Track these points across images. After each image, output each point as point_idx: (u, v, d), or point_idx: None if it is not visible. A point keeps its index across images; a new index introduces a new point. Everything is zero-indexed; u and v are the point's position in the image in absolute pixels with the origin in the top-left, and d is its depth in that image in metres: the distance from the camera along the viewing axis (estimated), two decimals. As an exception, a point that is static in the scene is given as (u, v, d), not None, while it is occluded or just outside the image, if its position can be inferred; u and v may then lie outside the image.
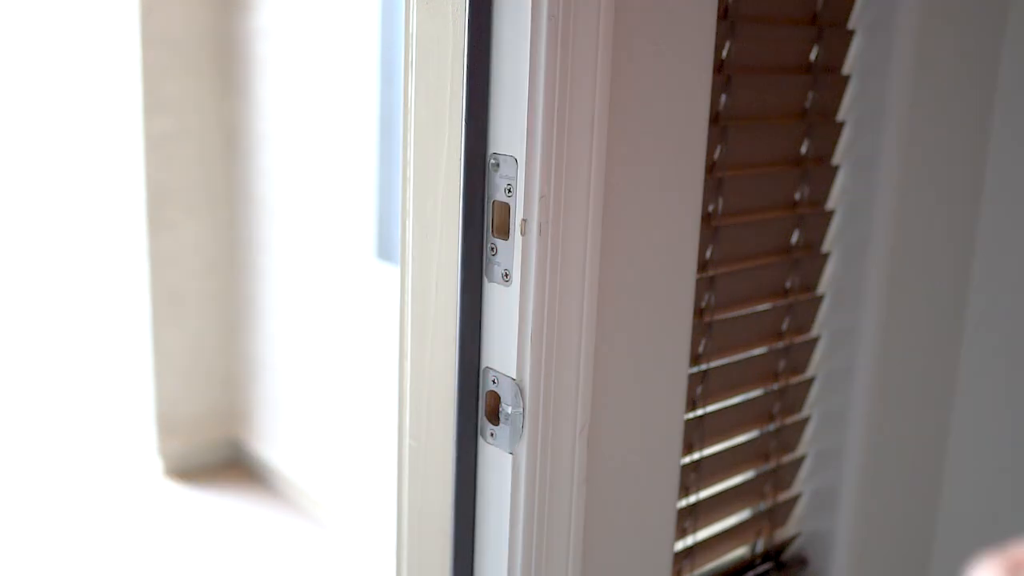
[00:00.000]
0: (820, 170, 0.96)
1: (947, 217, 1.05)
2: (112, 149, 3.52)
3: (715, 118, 0.83)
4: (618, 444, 0.78)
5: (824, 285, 1.01)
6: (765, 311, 0.96)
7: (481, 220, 0.67)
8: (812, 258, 0.99)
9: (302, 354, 3.28)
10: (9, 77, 3.89)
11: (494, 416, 0.70)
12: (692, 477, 0.92)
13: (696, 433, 0.91)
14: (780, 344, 0.98)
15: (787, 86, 0.91)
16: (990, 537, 1.14)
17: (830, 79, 0.93)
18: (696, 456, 0.91)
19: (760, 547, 1.06)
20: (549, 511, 0.71)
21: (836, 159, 0.97)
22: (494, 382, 0.69)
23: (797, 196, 0.95)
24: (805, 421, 1.04)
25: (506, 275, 0.66)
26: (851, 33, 0.94)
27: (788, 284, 0.97)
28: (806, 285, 0.99)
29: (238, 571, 3.06)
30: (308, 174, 3.12)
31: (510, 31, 0.63)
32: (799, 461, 1.06)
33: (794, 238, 0.96)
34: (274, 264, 3.35)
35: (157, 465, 3.56)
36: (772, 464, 1.01)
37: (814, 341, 1.02)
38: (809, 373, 1.03)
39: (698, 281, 0.84)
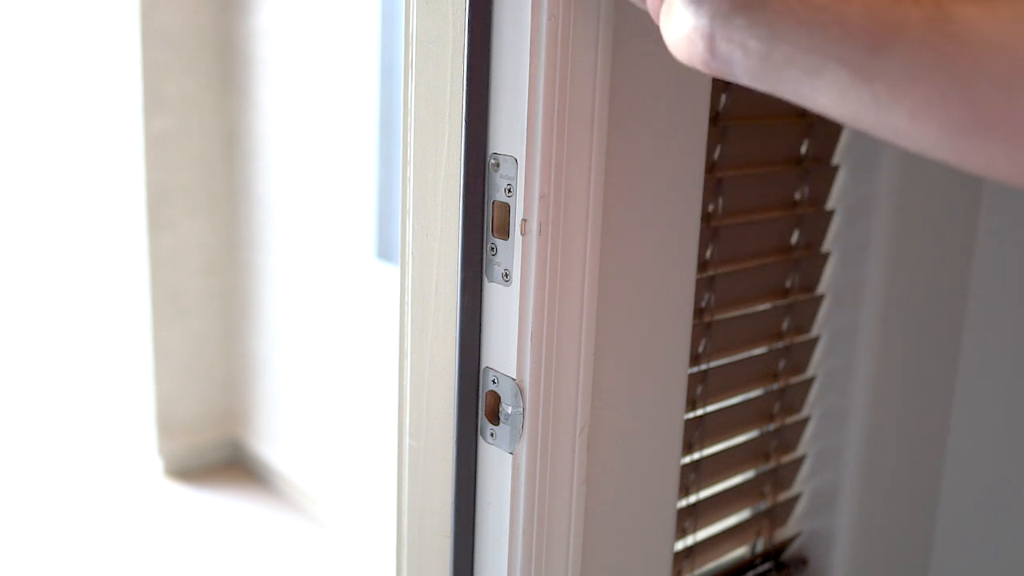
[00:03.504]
0: (820, 170, 0.96)
1: (947, 216, 1.05)
2: (112, 148, 3.52)
3: (715, 118, 0.83)
4: (618, 444, 0.78)
5: (824, 285, 1.01)
6: (765, 311, 0.96)
7: (481, 220, 0.67)
8: (812, 258, 0.99)
9: (302, 354, 3.28)
10: (10, 76, 3.89)
11: (494, 416, 0.70)
12: (692, 477, 0.92)
13: (696, 433, 0.91)
14: (780, 344, 0.98)
15: (787, 86, 0.90)
16: (990, 537, 1.14)
17: (830, 79, 0.93)
18: (696, 456, 0.91)
19: (760, 547, 1.06)
20: (549, 511, 0.71)
21: (836, 159, 0.97)
22: (494, 382, 0.69)
23: (797, 196, 0.95)
24: (805, 421, 1.04)
25: (506, 275, 0.66)
26: (851, 33, 0.94)
27: (788, 284, 0.97)
28: (806, 285, 0.99)
29: (238, 571, 3.06)
30: (308, 174, 3.12)
31: (510, 31, 0.63)
32: (799, 461, 1.06)
33: (794, 238, 0.96)
34: (274, 264, 3.34)
35: (157, 465, 3.56)
36: (772, 464, 1.01)
37: (814, 341, 1.02)
38: (809, 373, 1.03)
39: (698, 281, 0.84)
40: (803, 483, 1.07)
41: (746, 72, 0.45)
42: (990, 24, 0.38)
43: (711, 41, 0.46)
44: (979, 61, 0.38)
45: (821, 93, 0.43)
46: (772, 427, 1.00)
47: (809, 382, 1.03)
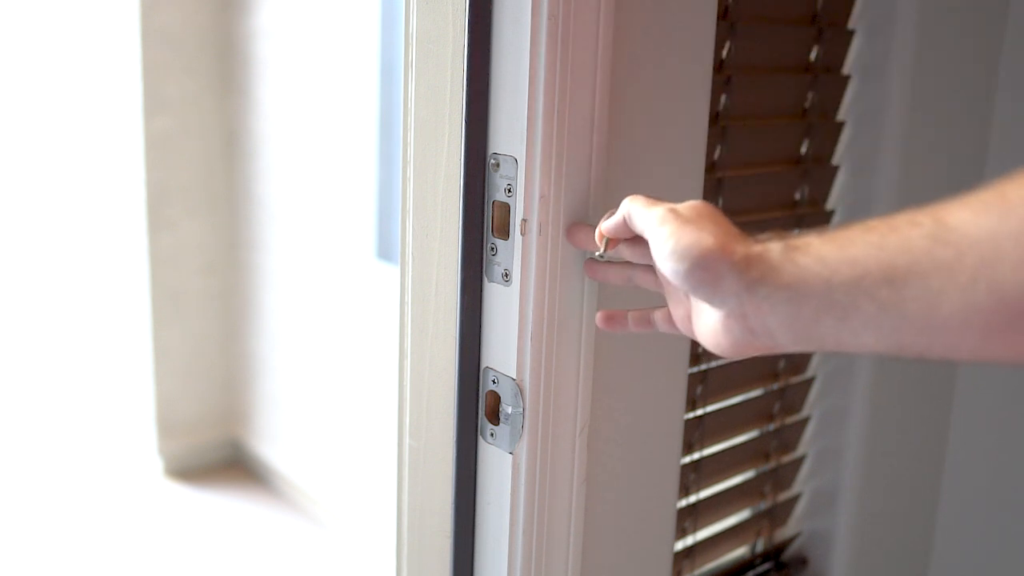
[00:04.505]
0: (820, 170, 0.96)
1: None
2: (112, 148, 3.52)
3: (715, 118, 0.83)
4: (618, 444, 0.78)
5: (824, 285, 1.01)
6: (765, 311, 0.96)
7: (481, 220, 0.67)
8: (812, 258, 0.98)
9: (302, 354, 3.28)
10: (9, 76, 3.89)
11: (494, 416, 0.70)
12: (692, 477, 0.92)
13: (696, 433, 0.91)
14: (780, 344, 0.98)
15: (787, 86, 0.91)
16: (990, 537, 1.14)
17: (830, 79, 0.93)
18: (696, 456, 0.91)
19: (760, 547, 1.06)
20: (549, 511, 0.71)
21: (836, 159, 0.97)
22: (494, 382, 0.69)
23: (797, 196, 0.95)
24: (805, 421, 1.04)
25: (506, 275, 0.66)
26: (851, 33, 0.94)
27: (788, 284, 0.97)
28: (806, 285, 0.99)
29: (238, 571, 3.06)
30: (308, 174, 3.12)
31: (510, 31, 0.63)
32: (799, 461, 1.06)
33: (794, 238, 0.96)
34: (274, 264, 3.34)
35: (157, 465, 3.56)
36: (772, 464, 1.01)
37: (814, 341, 1.02)
38: (809, 373, 1.03)
39: (698, 281, 0.84)
40: (803, 483, 1.07)
41: (788, 335, 0.47)
42: (984, 221, 0.39)
43: (744, 320, 0.48)
44: (984, 260, 0.39)
45: (860, 334, 0.44)
46: (772, 427, 1.00)
47: (809, 382, 1.03)
